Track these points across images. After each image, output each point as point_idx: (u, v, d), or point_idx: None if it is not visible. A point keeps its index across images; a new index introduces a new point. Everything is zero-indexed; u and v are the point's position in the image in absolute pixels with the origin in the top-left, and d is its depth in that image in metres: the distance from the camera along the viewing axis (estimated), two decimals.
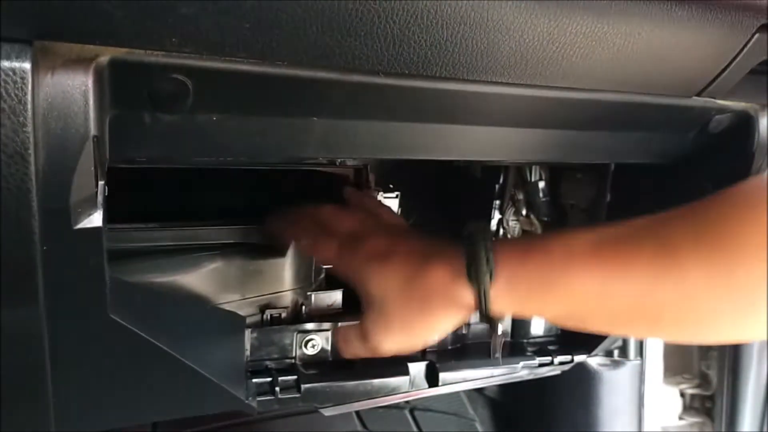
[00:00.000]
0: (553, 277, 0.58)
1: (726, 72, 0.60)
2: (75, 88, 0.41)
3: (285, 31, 0.42)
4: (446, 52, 0.48)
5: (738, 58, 0.59)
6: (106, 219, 0.51)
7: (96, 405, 0.65)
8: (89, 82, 0.41)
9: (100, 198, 0.46)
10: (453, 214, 1.11)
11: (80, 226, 0.45)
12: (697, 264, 0.52)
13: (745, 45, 0.58)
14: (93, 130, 0.42)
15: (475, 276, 0.59)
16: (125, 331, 0.57)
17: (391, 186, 0.94)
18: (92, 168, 0.43)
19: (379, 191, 0.92)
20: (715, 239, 0.52)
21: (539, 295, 0.59)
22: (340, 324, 0.87)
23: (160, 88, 0.45)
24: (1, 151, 0.38)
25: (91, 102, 0.41)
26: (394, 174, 1.00)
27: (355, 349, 0.71)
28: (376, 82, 0.51)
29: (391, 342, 0.66)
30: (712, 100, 0.67)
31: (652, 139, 0.76)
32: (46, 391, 0.59)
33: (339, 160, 0.87)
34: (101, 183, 0.46)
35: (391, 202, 0.93)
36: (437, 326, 0.64)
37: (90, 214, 0.45)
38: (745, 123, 0.73)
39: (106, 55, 0.41)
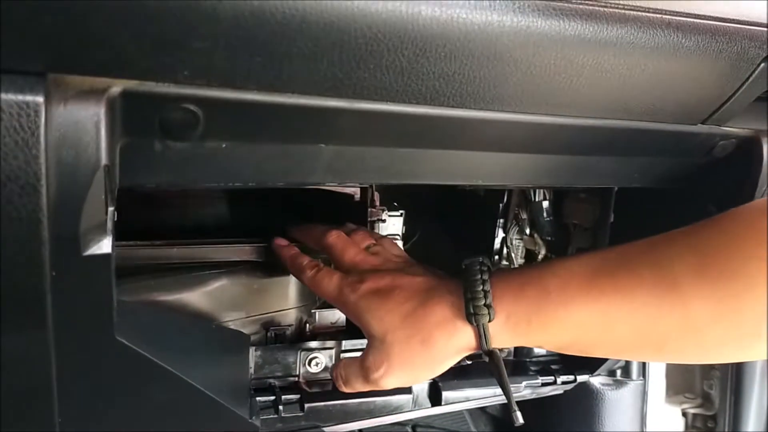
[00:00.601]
0: (551, 311, 0.58)
1: (731, 101, 0.61)
2: (87, 119, 0.41)
3: (296, 64, 0.43)
4: (454, 84, 0.49)
5: (743, 88, 0.59)
6: (115, 243, 0.52)
7: (100, 425, 0.65)
8: (101, 112, 0.41)
9: (109, 224, 0.46)
10: (457, 233, 1.12)
11: (89, 252, 0.45)
12: (700, 295, 0.52)
13: (750, 75, 0.58)
14: (104, 160, 0.42)
15: (474, 314, 0.60)
16: (131, 353, 0.57)
17: (396, 204, 0.94)
18: (102, 196, 0.44)
19: (383, 210, 0.92)
20: (718, 267, 0.52)
21: (540, 329, 0.59)
22: (339, 354, 0.87)
23: (170, 117, 0.45)
24: (13, 182, 0.38)
25: (102, 132, 0.42)
26: (399, 193, 1.01)
27: (354, 386, 0.71)
28: (384, 110, 0.51)
29: (392, 378, 0.66)
30: (717, 126, 0.68)
31: (656, 164, 0.76)
32: (52, 412, 0.59)
33: None
34: (111, 209, 0.47)
35: (396, 220, 0.94)
36: (439, 362, 0.65)
37: (99, 241, 0.46)
38: (750, 148, 0.73)
39: (118, 86, 0.42)
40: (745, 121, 0.70)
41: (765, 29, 0.56)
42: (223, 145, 0.50)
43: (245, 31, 0.39)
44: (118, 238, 0.76)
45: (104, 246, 0.46)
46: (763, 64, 0.58)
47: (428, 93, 0.49)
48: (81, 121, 0.41)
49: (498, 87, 0.50)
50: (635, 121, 0.65)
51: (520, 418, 0.67)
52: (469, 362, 0.92)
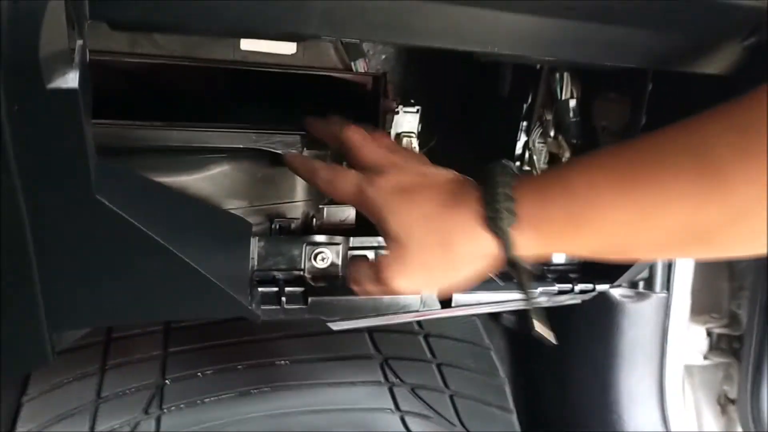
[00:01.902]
0: (579, 212, 0.52)
1: None
2: None
3: None
4: None
5: None
6: (89, 90, 0.48)
7: (87, 299, 0.63)
8: None
9: (77, 58, 0.42)
10: (477, 135, 1.06)
11: (53, 85, 0.41)
12: (745, 178, 0.46)
13: None
14: None
15: (494, 218, 0.55)
16: (113, 216, 0.54)
17: (413, 101, 0.89)
18: (63, 19, 0.40)
19: (398, 102, 0.87)
20: (764, 145, 0.46)
21: (568, 235, 0.54)
22: (347, 251, 0.84)
23: None
24: None
25: None
26: (416, 88, 0.96)
27: (367, 287, 0.67)
28: None
29: (407, 281, 0.62)
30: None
31: (697, 44, 0.69)
32: (32, 279, 0.56)
33: (354, 64, 0.83)
34: (79, 42, 0.43)
35: (412, 117, 0.89)
36: (457, 268, 0.60)
37: (64, 74, 0.42)
38: None
39: None
40: None
41: None
42: None
43: None
44: (115, 116, 0.73)
45: (70, 80, 0.42)
46: None
47: None
48: None
49: None
50: None
51: (552, 339, 0.64)
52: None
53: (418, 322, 1.16)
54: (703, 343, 1.10)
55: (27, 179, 0.47)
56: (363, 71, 0.84)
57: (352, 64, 0.84)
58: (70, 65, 0.42)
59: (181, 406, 1.04)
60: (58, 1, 0.39)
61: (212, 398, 1.06)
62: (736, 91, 0.72)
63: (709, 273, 1.12)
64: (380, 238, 0.88)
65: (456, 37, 0.57)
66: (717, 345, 1.11)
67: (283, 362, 1.12)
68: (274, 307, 0.79)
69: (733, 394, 1.10)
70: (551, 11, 0.58)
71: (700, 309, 1.10)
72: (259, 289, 0.79)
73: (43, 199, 0.50)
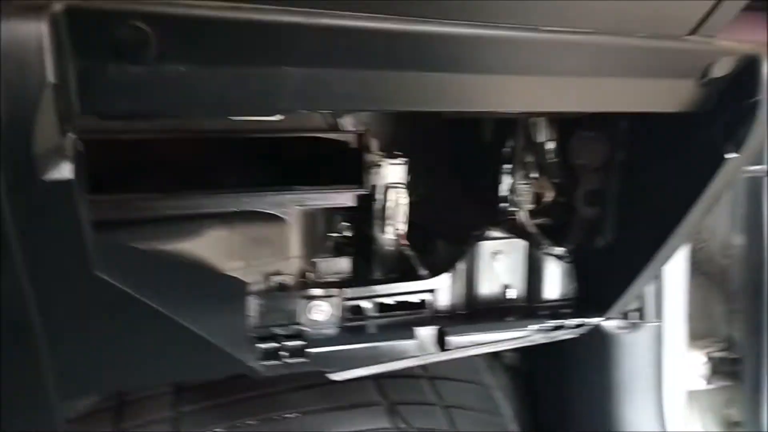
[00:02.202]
0: None
1: (719, 7, 0.58)
2: (29, 36, 0.41)
3: None
4: None
5: None
6: (83, 176, 0.52)
7: (93, 367, 0.66)
8: (43, 29, 0.41)
9: (69, 150, 0.46)
10: (465, 181, 1.10)
11: (48, 177, 0.45)
12: None
13: None
14: (51, 78, 0.42)
15: None
16: (113, 290, 0.58)
17: (398, 153, 0.93)
18: (55, 117, 0.44)
19: (383, 156, 0.91)
20: None
21: None
22: (347, 304, 0.87)
23: (120, 36, 0.45)
24: None
25: (46, 50, 0.42)
26: (402, 141, 0.99)
27: None
28: (344, 26, 0.50)
29: None
30: (712, 41, 0.64)
31: (660, 86, 0.73)
32: (39, 352, 0.60)
33: (339, 125, 0.87)
34: (70, 135, 0.47)
35: (397, 168, 0.92)
36: None
37: (58, 166, 0.46)
38: (750, 66, 0.70)
39: (60, 3, 0.42)
40: (745, 36, 0.67)
41: None
42: (182, 69, 0.49)
43: None
44: (113, 189, 0.77)
45: (64, 171, 0.46)
46: None
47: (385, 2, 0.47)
48: (23, 39, 0.41)
49: None
50: (625, 36, 0.63)
51: None
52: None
53: (422, 366, 1.18)
54: (704, 367, 1.12)
55: (31, 262, 0.50)
56: (347, 129, 0.88)
57: (338, 122, 0.89)
58: (63, 157, 0.46)
59: None
60: (48, 99, 0.43)
61: None
62: (702, 125, 0.77)
63: (704, 298, 1.14)
64: (376, 287, 0.91)
65: (424, 101, 0.61)
66: (718, 369, 1.13)
67: (293, 415, 1.14)
68: (275, 362, 0.82)
69: (737, 417, 1.11)
70: (519, 69, 0.62)
71: (698, 334, 1.12)
72: (259, 345, 0.81)
73: (47, 279, 0.53)
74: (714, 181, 0.77)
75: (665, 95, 0.73)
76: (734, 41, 0.66)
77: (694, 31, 0.61)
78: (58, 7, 0.42)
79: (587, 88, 0.69)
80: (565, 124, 0.96)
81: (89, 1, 0.43)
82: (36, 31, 0.41)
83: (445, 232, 1.03)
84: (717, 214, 1.18)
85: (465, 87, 0.61)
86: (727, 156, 0.75)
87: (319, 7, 0.47)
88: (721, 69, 0.69)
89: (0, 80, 0.41)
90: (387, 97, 0.59)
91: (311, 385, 1.15)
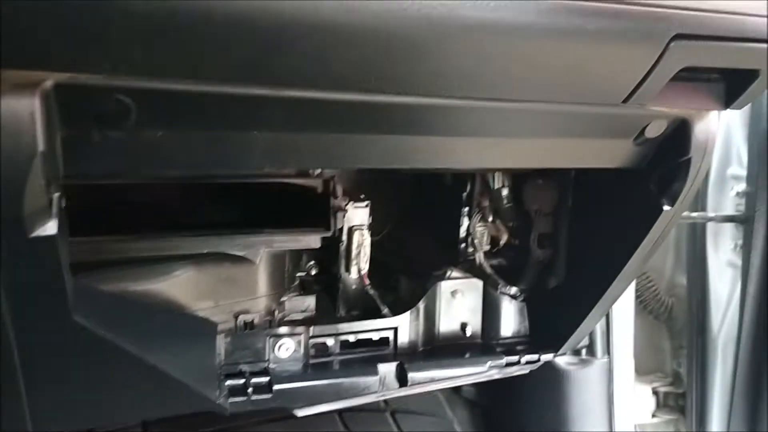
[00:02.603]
0: None
1: (648, 80, 0.64)
2: (23, 110, 0.46)
3: (212, 53, 0.47)
4: (368, 69, 0.53)
5: (657, 66, 0.63)
6: (65, 228, 0.56)
7: (68, 405, 0.70)
8: (36, 103, 0.46)
9: (54, 209, 0.51)
10: (425, 222, 1.15)
11: (35, 234, 0.49)
12: None
13: (662, 54, 0.62)
14: (41, 147, 0.47)
15: None
16: (90, 334, 0.62)
17: (363, 196, 0.98)
18: (43, 181, 0.48)
19: (348, 201, 0.96)
20: None
21: None
22: (308, 339, 0.91)
23: (104, 108, 0.50)
24: None
25: (38, 122, 0.46)
26: (366, 184, 1.05)
27: None
28: (308, 97, 0.55)
29: None
30: (644, 106, 0.71)
31: (599, 145, 0.80)
32: (19, 391, 0.63)
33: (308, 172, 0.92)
34: (56, 195, 0.51)
35: (362, 211, 0.97)
36: None
37: (44, 224, 0.50)
38: (681, 127, 0.77)
39: (50, 79, 0.46)
40: (675, 103, 0.73)
41: (672, 9, 0.59)
42: (159, 134, 0.54)
43: (158, 24, 0.43)
44: (87, 233, 0.81)
45: (49, 228, 0.50)
46: (673, 43, 0.61)
47: (345, 79, 0.53)
48: (18, 112, 0.45)
49: (411, 72, 0.54)
50: (565, 103, 0.69)
51: None
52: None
53: (385, 400, 1.22)
54: (651, 401, 1.18)
55: (15, 309, 0.54)
56: (314, 176, 0.93)
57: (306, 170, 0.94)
58: (48, 216, 0.50)
59: None
60: (38, 165, 0.48)
61: None
62: (640, 180, 0.83)
63: (650, 334, 1.20)
64: (340, 325, 0.96)
65: (383, 159, 0.67)
66: (664, 403, 1.19)
67: None
68: (241, 398, 0.85)
69: None
70: (464, 132, 0.68)
71: (645, 370, 1.18)
72: (227, 382, 0.85)
73: (29, 323, 0.57)
74: (652, 229, 0.84)
75: (605, 153, 0.79)
76: (666, 106, 0.72)
77: (626, 100, 0.67)
78: (48, 83, 0.46)
79: (536, 147, 0.76)
80: (519, 172, 1.02)
81: (76, 77, 0.47)
82: (29, 105, 0.45)
83: (407, 270, 1.08)
84: (662, 255, 1.25)
85: (423, 147, 0.67)
86: (662, 208, 0.82)
87: (287, 79, 0.52)
88: (654, 130, 0.76)
89: None
90: (347, 157, 0.65)
91: (276, 419, 1.19)
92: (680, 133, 0.77)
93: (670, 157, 0.79)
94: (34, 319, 0.57)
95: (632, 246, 0.87)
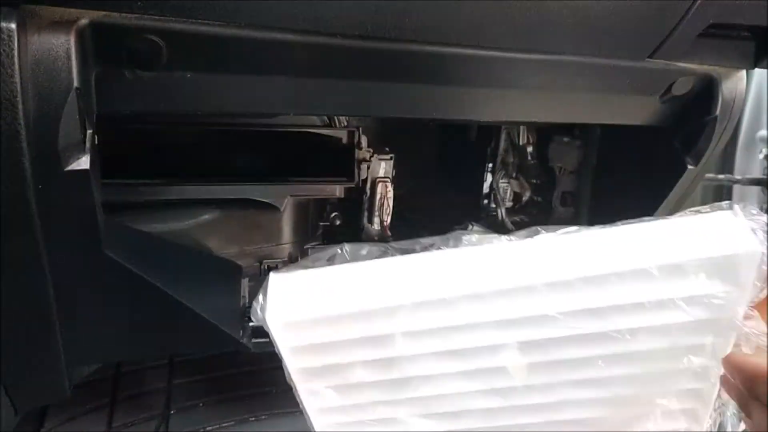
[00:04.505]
0: None
1: (675, 34, 0.64)
2: (59, 47, 0.47)
3: None
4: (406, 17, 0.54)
5: (684, 21, 0.63)
6: (97, 167, 0.58)
7: (99, 338, 0.73)
8: (71, 41, 0.47)
9: (88, 144, 0.53)
10: (449, 177, 1.16)
11: (70, 168, 0.52)
12: None
13: (690, 8, 0.61)
14: (76, 83, 0.48)
15: None
16: (120, 268, 0.64)
17: (387, 149, 0.99)
18: (77, 117, 0.50)
19: (372, 153, 0.97)
20: None
21: None
22: None
23: (137, 47, 0.51)
24: None
25: (73, 58, 0.48)
26: (391, 137, 1.06)
27: None
28: (334, 44, 0.56)
29: None
30: (671, 63, 0.71)
31: (625, 101, 0.79)
32: (53, 324, 0.66)
33: (334, 122, 0.93)
34: (89, 132, 0.53)
35: (386, 163, 0.99)
36: None
37: (78, 158, 0.52)
38: (708, 85, 0.76)
39: (85, 17, 0.48)
40: (705, 59, 0.73)
41: None
42: (188, 75, 0.55)
43: None
44: (119, 177, 0.83)
45: (83, 163, 0.52)
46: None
47: (371, 26, 0.54)
48: (53, 49, 0.47)
49: (439, 21, 0.55)
50: (592, 57, 0.69)
51: None
52: None
53: None
54: None
55: (50, 241, 0.57)
56: (340, 126, 0.95)
57: (332, 120, 0.95)
58: (82, 151, 0.52)
59: None
60: (73, 101, 0.49)
61: (214, 426, 1.15)
62: (665, 138, 0.83)
63: None
64: None
65: (407, 109, 0.67)
66: None
67: (276, 391, 1.21)
68: (264, 340, 0.88)
69: None
70: (494, 83, 0.69)
71: None
72: (250, 324, 0.88)
73: (63, 257, 0.60)
74: (675, 188, 0.84)
75: (631, 110, 0.79)
76: (693, 63, 0.72)
77: (653, 55, 0.67)
78: (83, 21, 0.48)
79: (563, 101, 0.76)
80: (544, 129, 1.02)
81: (110, 16, 0.49)
82: (65, 42, 0.47)
83: (429, 224, 1.10)
84: None
85: (448, 98, 0.68)
86: (687, 167, 0.82)
87: (314, 27, 0.53)
88: (680, 88, 0.76)
89: (29, 86, 0.47)
90: (372, 105, 0.66)
91: None
92: (707, 91, 0.77)
93: (695, 116, 0.79)
94: (68, 252, 0.60)
95: (655, 205, 0.87)
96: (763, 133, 1.14)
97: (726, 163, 1.18)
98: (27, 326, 0.65)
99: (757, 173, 1.14)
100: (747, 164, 1.16)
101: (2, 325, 0.63)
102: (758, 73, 1.11)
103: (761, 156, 1.13)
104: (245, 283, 0.89)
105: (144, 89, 0.55)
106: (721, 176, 1.11)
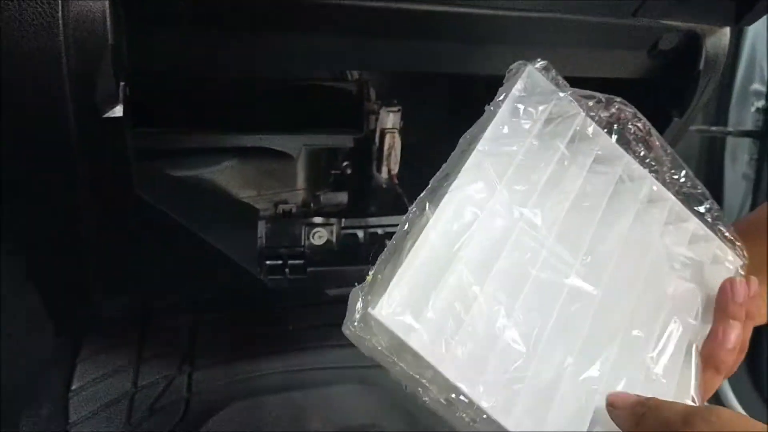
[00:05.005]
0: None
1: None
2: (96, 10, 0.54)
3: None
4: None
5: None
6: (129, 116, 0.65)
7: (130, 273, 0.81)
8: (106, 4, 0.54)
9: (121, 95, 0.60)
10: (456, 129, 1.22)
11: (106, 115, 0.59)
12: None
13: None
14: (111, 41, 0.55)
15: None
16: (149, 208, 0.72)
17: (395, 101, 1.05)
18: (112, 71, 0.57)
19: (380, 104, 1.03)
20: None
21: None
22: (340, 230, 1.01)
23: (165, 7, 0.58)
24: (41, 54, 0.52)
25: (108, 20, 0.55)
26: (400, 91, 1.12)
27: None
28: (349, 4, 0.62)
29: None
30: (660, 19, 0.76)
31: (616, 56, 0.85)
32: (88, 257, 0.75)
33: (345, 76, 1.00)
34: (122, 84, 0.60)
35: (394, 115, 1.05)
36: None
37: (113, 107, 0.59)
38: (693, 42, 0.81)
39: None
40: (684, 17, 0.78)
41: None
42: (214, 33, 0.62)
43: None
44: (150, 125, 0.91)
45: (117, 111, 0.59)
46: None
47: None
48: (91, 11, 0.54)
49: None
50: (583, 15, 0.75)
51: None
52: None
53: None
54: None
55: (88, 181, 0.65)
56: (349, 79, 1.01)
57: (343, 73, 1.01)
58: (117, 101, 0.59)
59: (209, 365, 1.22)
60: (108, 58, 0.56)
61: (235, 359, 1.24)
62: (654, 91, 0.88)
63: None
64: (370, 219, 1.05)
65: (403, 63, 0.74)
66: None
67: (294, 328, 1.30)
68: (279, 277, 0.96)
69: None
70: (488, 39, 0.74)
71: None
72: (267, 262, 0.96)
73: (99, 195, 0.67)
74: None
75: (622, 64, 0.85)
76: (677, 20, 0.77)
77: (635, 13, 0.72)
78: None
79: (559, 55, 0.81)
80: None
81: None
82: (101, 5, 0.54)
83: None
84: None
85: (448, 53, 0.74)
86: (673, 119, 0.87)
87: None
88: (666, 43, 0.81)
89: (69, 42, 0.54)
90: (379, 61, 0.72)
91: (311, 304, 1.31)
92: (692, 47, 0.82)
93: (682, 71, 0.84)
94: (103, 191, 0.68)
95: None
96: (755, 86, 1.18)
97: (720, 116, 1.22)
98: (67, 257, 0.73)
99: (749, 126, 1.18)
100: (741, 117, 1.20)
101: (44, 255, 0.72)
102: (752, 29, 1.15)
103: (753, 109, 1.17)
104: (262, 224, 0.97)
105: (171, 48, 0.62)
106: (714, 128, 1.16)
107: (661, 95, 0.88)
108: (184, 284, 0.95)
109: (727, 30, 0.82)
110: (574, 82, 1.03)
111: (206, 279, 0.90)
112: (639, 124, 0.62)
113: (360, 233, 1.03)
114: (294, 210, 1.02)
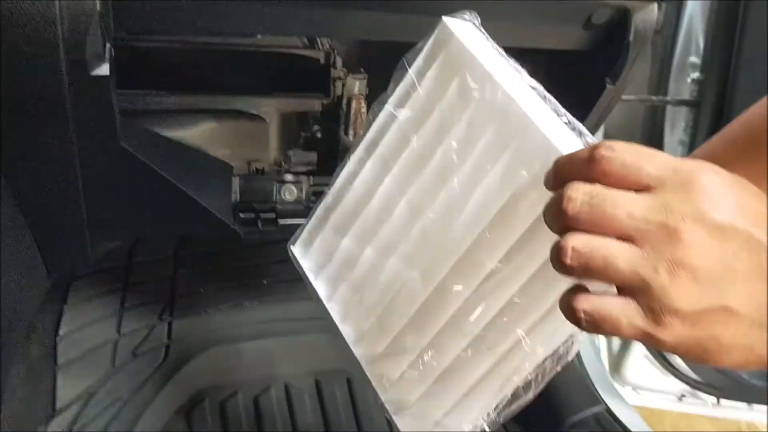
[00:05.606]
0: None
1: None
2: None
3: None
4: None
5: None
6: (114, 76, 0.73)
7: (117, 219, 0.90)
8: None
9: (107, 56, 0.68)
10: None
11: (94, 73, 0.67)
12: None
13: None
14: (99, 8, 0.64)
15: None
16: (133, 158, 0.80)
17: (362, 69, 1.13)
18: (100, 34, 0.65)
19: (347, 72, 1.11)
20: None
21: None
22: (310, 187, 1.10)
23: None
24: (41, 19, 0.60)
25: None
26: (365, 59, 1.20)
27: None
28: None
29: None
30: None
31: (556, 30, 0.94)
32: (80, 204, 0.83)
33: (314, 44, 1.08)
34: (108, 46, 0.68)
35: (360, 82, 1.13)
36: None
37: (101, 65, 0.68)
38: (623, 16, 0.91)
39: None
40: None
41: None
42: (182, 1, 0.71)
43: None
44: (130, 87, 0.98)
45: (104, 70, 0.68)
46: None
47: None
48: None
49: None
50: None
51: None
52: None
53: None
54: None
55: (78, 133, 0.73)
56: (317, 48, 1.09)
57: (313, 42, 1.09)
58: (103, 60, 0.68)
59: (188, 314, 1.32)
60: (96, 22, 0.65)
61: (212, 309, 1.34)
62: (590, 62, 0.98)
63: None
64: None
65: (359, 32, 0.82)
66: None
67: (268, 282, 1.40)
68: (252, 228, 1.05)
69: None
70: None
71: None
72: (241, 215, 1.05)
73: (89, 147, 0.76)
74: (597, 104, 0.99)
75: (561, 36, 0.94)
76: None
77: None
78: None
79: (509, 29, 0.90)
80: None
81: None
82: None
83: None
84: (627, 138, 1.40)
85: (395, 23, 0.83)
86: (606, 86, 0.97)
87: None
88: (599, 17, 0.90)
89: (64, 11, 0.62)
90: (343, 28, 0.81)
91: (285, 260, 1.40)
92: (622, 21, 0.91)
93: (614, 42, 0.94)
94: (92, 143, 0.76)
95: (580, 120, 1.03)
96: (692, 59, 1.28)
97: (661, 86, 1.32)
98: (58, 202, 0.82)
99: (686, 95, 1.28)
100: (679, 87, 1.30)
101: (39, 201, 0.80)
102: (690, 5, 1.25)
103: (689, 80, 1.27)
104: (236, 181, 1.05)
105: (149, 13, 0.70)
106: (654, 98, 1.25)
107: (597, 65, 0.97)
108: (164, 230, 1.03)
109: (654, 5, 0.91)
110: (519, 53, 1.12)
111: (185, 226, 0.99)
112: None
113: (328, 190, 1.12)
114: (266, 168, 1.11)
